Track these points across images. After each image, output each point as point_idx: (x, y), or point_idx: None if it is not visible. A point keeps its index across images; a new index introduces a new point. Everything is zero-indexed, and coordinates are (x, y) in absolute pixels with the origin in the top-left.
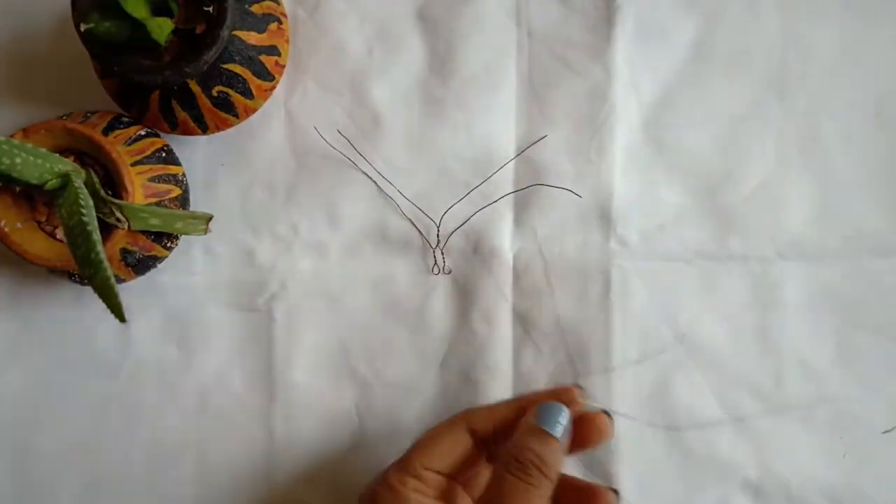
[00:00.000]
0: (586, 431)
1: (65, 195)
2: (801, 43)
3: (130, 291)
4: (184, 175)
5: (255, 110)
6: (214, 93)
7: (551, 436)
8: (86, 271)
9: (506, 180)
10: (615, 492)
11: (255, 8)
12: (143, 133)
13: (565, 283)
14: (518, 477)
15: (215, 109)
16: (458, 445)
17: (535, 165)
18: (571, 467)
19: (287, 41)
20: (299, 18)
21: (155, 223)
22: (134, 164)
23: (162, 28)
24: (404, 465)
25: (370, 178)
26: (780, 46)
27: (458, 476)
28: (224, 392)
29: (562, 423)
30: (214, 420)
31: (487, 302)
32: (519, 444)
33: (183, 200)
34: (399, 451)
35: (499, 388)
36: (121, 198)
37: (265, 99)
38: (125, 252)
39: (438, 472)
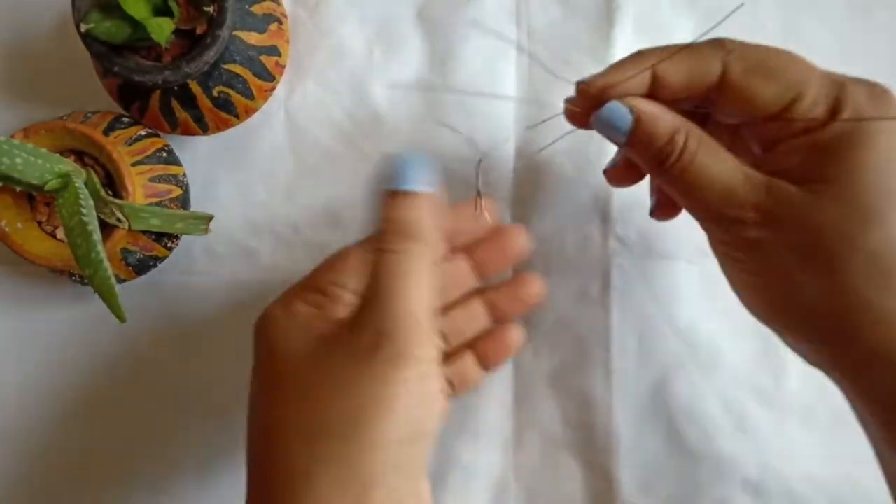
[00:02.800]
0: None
1: (65, 195)
2: (801, 43)
3: (130, 291)
4: (184, 175)
5: (255, 110)
6: (215, 93)
7: (399, 192)
8: (86, 271)
9: (506, 180)
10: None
11: (255, 8)
12: (143, 133)
13: (565, 281)
14: (382, 250)
15: (216, 109)
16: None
17: (535, 165)
18: (572, 462)
19: (287, 41)
20: (299, 19)
21: (155, 223)
22: (134, 165)
23: (162, 28)
24: (307, 282)
25: (370, 178)
26: (779, 46)
27: None
28: (224, 392)
29: (415, 177)
30: (214, 420)
31: None
32: (374, 217)
33: (183, 200)
34: None
35: (499, 387)
36: (121, 198)
37: (265, 99)
38: (125, 252)
39: (352, 291)
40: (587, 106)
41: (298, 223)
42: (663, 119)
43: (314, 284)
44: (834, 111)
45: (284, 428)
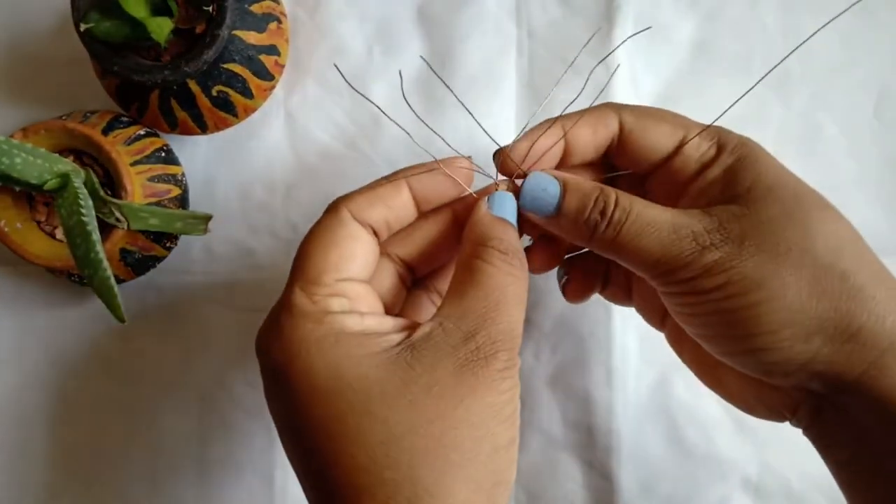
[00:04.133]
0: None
1: (64, 195)
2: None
3: (130, 291)
4: (183, 175)
5: (254, 110)
6: (214, 92)
7: (512, 226)
8: (85, 271)
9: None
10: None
11: (254, 7)
12: (142, 133)
13: None
14: (502, 268)
15: (215, 109)
16: (359, 244)
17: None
18: (572, 462)
19: (287, 41)
20: (299, 18)
21: (154, 223)
22: (133, 164)
23: (162, 28)
24: (305, 287)
25: (370, 178)
26: (780, 46)
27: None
28: (224, 392)
29: (515, 216)
30: (214, 420)
31: None
32: (492, 233)
33: (182, 200)
34: None
35: None
36: (120, 198)
37: (265, 98)
38: (125, 252)
39: (361, 281)
40: (507, 173)
41: (298, 223)
42: (587, 183)
43: (323, 286)
44: (720, 146)
45: (390, 447)
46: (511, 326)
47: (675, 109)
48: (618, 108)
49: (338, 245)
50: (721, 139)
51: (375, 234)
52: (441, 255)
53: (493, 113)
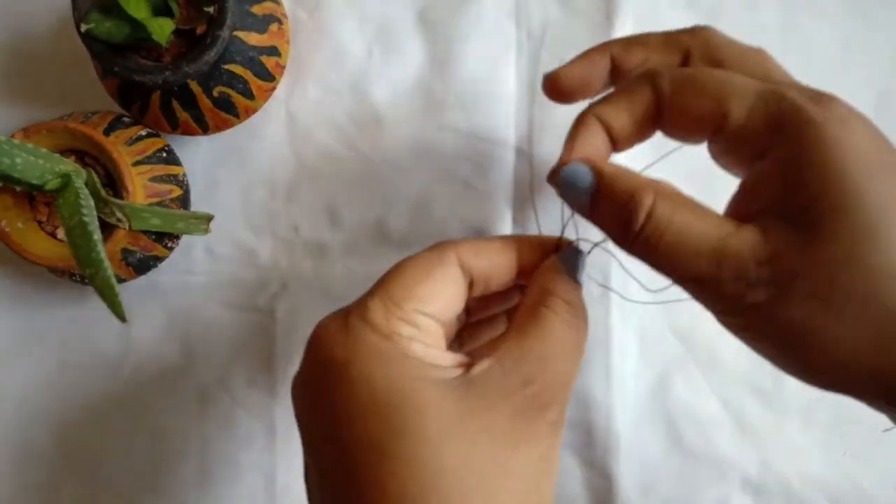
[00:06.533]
0: None
1: (65, 195)
2: (801, 43)
3: (131, 291)
4: (184, 175)
5: (255, 110)
6: (215, 93)
7: (579, 283)
8: (86, 271)
9: (506, 180)
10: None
11: (255, 9)
12: (143, 133)
13: None
14: (566, 320)
15: (216, 110)
16: (452, 285)
17: (535, 165)
18: (572, 462)
19: (287, 42)
20: (300, 19)
21: (156, 223)
22: (135, 164)
23: (162, 28)
24: (386, 303)
25: (370, 178)
26: (780, 46)
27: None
28: (225, 392)
29: (583, 273)
30: (215, 420)
31: None
32: (561, 286)
33: (183, 200)
34: None
35: None
36: (121, 198)
37: (266, 99)
38: (126, 252)
39: (436, 320)
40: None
41: (298, 223)
42: (625, 177)
43: (401, 310)
44: (771, 122)
45: (443, 479)
46: (566, 379)
47: None
48: (654, 75)
49: (431, 279)
50: (776, 115)
51: (472, 284)
52: (495, 286)
53: (493, 113)
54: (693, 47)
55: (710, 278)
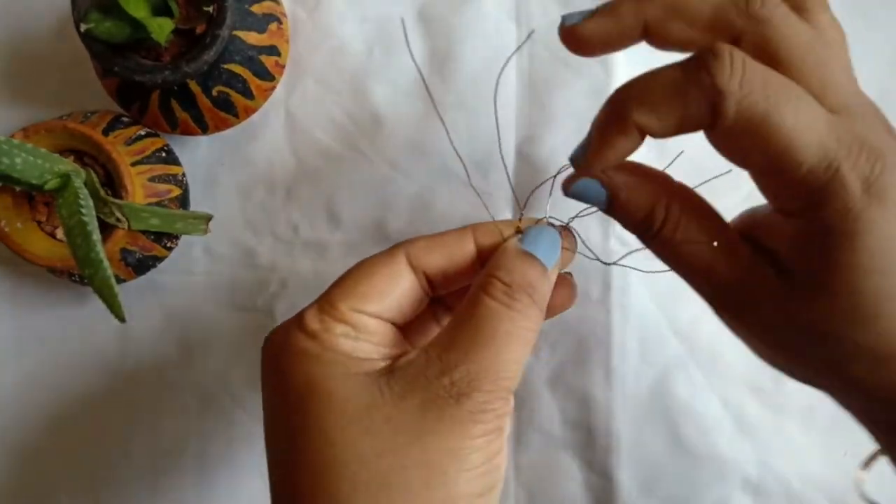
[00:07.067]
0: (556, 293)
1: (65, 195)
2: None
3: (130, 291)
4: (184, 175)
5: (255, 110)
6: (214, 93)
7: (541, 263)
8: (86, 271)
9: (506, 180)
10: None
11: (255, 8)
12: (143, 133)
13: None
14: (501, 301)
15: (215, 109)
16: (397, 283)
17: (535, 165)
18: (572, 462)
19: (287, 41)
20: (299, 18)
21: (155, 223)
22: (134, 164)
23: (162, 28)
24: (322, 304)
25: (370, 178)
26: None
27: (406, 328)
28: (224, 392)
29: (553, 254)
30: (214, 420)
31: None
32: (502, 265)
33: (183, 200)
34: None
35: None
36: (121, 198)
37: (265, 99)
38: (125, 252)
39: (378, 317)
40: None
41: (298, 223)
42: (638, 192)
43: (335, 311)
44: (814, 189)
45: (331, 473)
46: (497, 367)
47: None
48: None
49: (374, 278)
50: (822, 185)
51: (431, 281)
52: (460, 278)
53: (492, 113)
54: (746, 33)
55: (707, 287)
